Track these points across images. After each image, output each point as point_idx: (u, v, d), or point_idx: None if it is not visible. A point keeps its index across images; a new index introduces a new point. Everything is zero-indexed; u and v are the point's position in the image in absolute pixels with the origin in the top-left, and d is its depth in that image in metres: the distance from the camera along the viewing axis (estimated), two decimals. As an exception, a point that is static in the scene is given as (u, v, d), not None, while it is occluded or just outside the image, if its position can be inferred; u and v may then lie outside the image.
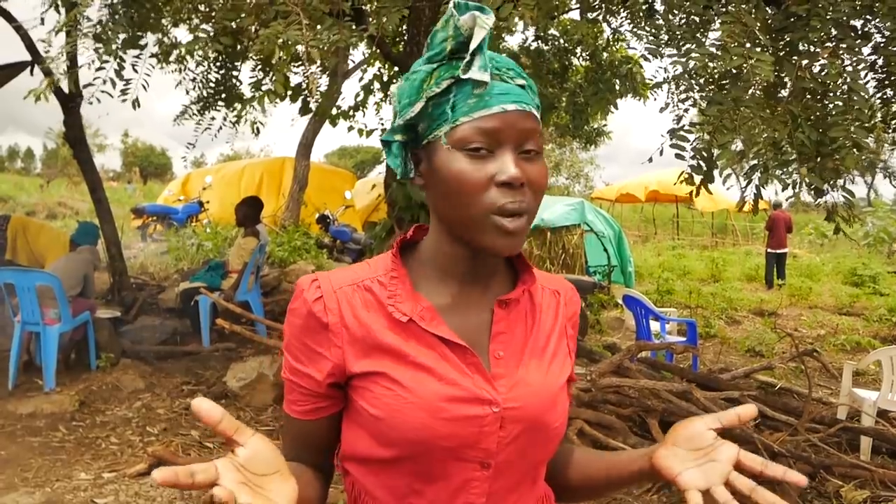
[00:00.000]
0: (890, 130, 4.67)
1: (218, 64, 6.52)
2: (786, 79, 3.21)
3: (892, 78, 4.54)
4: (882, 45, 4.09)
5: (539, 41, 9.28)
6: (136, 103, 4.21)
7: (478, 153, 0.83)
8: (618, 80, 9.13)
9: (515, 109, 0.84)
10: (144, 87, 4.25)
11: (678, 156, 3.24)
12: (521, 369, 0.91)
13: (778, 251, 12.88)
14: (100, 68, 3.90)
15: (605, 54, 9.20)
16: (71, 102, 6.46)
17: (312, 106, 7.73)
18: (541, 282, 1.01)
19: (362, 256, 10.29)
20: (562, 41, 9.24)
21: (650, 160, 3.32)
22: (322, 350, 0.89)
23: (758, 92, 3.37)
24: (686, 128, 3.27)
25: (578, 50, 9.24)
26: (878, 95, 4.69)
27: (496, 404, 0.87)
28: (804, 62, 3.12)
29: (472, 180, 0.83)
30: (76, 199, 18.65)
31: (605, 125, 11.12)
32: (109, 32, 3.85)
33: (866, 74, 4.68)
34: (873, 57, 4.76)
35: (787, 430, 3.84)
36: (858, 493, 3.61)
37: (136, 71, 4.23)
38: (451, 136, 0.84)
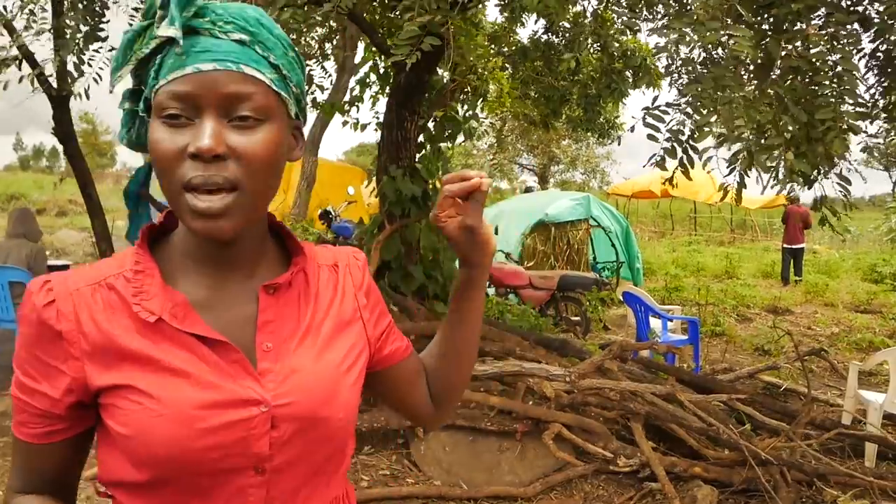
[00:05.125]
0: (888, 120, 4.43)
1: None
2: (773, 57, 2.98)
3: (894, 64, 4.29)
4: (881, 29, 3.85)
5: (549, 33, 9.08)
6: (87, 94, 4.14)
7: (175, 121, 0.75)
8: (630, 71, 8.93)
9: (214, 69, 0.74)
10: (96, 81, 4.16)
11: (651, 136, 3.05)
12: (294, 360, 0.83)
13: (794, 247, 12.50)
14: (62, 63, 3.80)
15: (616, 44, 8.99)
16: (59, 98, 6.39)
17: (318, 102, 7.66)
18: (318, 259, 0.94)
19: (365, 253, 10.10)
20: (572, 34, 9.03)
21: (618, 142, 3.12)
22: (57, 363, 0.77)
23: (745, 72, 3.16)
24: (662, 108, 3.07)
25: (590, 41, 9.04)
26: (880, 83, 4.44)
27: (265, 403, 0.79)
28: (790, 39, 2.90)
29: (164, 152, 0.75)
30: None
31: (617, 117, 10.90)
32: (67, 25, 3.74)
33: (868, 62, 4.43)
34: (873, 44, 4.50)
35: (782, 436, 3.62)
36: (857, 502, 3.39)
37: (90, 65, 4.14)
38: (154, 102, 0.76)
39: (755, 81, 3.09)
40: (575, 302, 7.47)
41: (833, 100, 2.68)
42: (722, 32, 2.64)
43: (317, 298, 0.90)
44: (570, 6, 7.23)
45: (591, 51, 9.13)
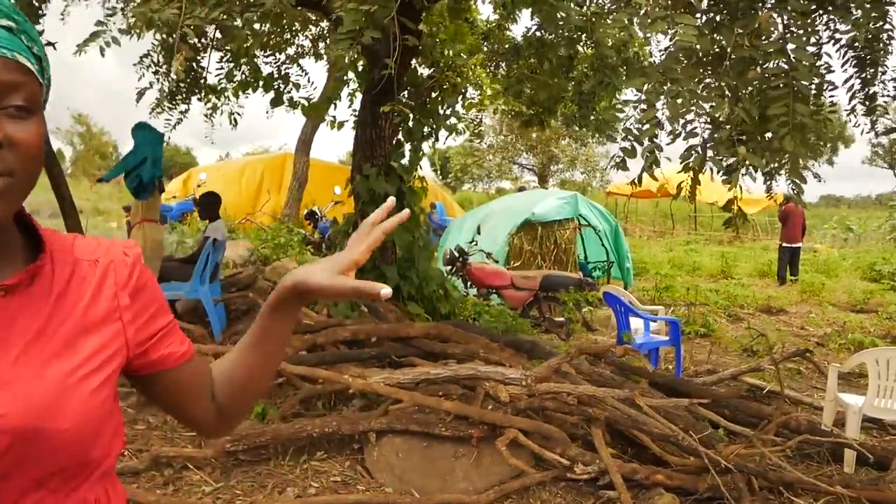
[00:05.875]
0: (867, 113, 4.29)
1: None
2: (725, 47, 2.85)
3: (873, 55, 4.16)
4: (860, 18, 3.72)
5: (542, 30, 8.95)
6: None
7: None
8: (624, 67, 8.79)
9: None
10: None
11: (609, 137, 2.92)
12: (13, 369, 0.76)
13: (793, 245, 12.32)
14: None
15: (609, 41, 8.85)
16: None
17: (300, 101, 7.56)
18: (77, 253, 0.88)
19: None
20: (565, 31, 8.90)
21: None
22: None
23: (699, 64, 3.03)
24: (618, 106, 2.94)
25: (583, 38, 8.90)
26: (858, 75, 4.30)
27: None
28: (743, 28, 2.76)
29: None
30: (82, 199, 18.71)
31: (612, 112, 10.73)
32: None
33: (846, 53, 4.29)
34: (853, 33, 4.36)
35: (747, 442, 3.47)
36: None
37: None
38: None
39: (710, 74, 2.95)
40: (558, 302, 7.34)
41: (786, 92, 2.54)
42: (667, 25, 2.52)
43: (61, 298, 0.83)
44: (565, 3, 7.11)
45: (585, 45, 9.00)
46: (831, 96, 4.49)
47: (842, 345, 7.37)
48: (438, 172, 35.48)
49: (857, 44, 4.22)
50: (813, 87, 4.22)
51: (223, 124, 7.30)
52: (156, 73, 6.51)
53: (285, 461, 3.64)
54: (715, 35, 2.79)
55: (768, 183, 3.03)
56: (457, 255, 7.40)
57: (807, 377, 6.44)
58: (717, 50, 2.88)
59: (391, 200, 0.98)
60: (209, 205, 5.83)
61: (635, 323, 6.14)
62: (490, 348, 4.44)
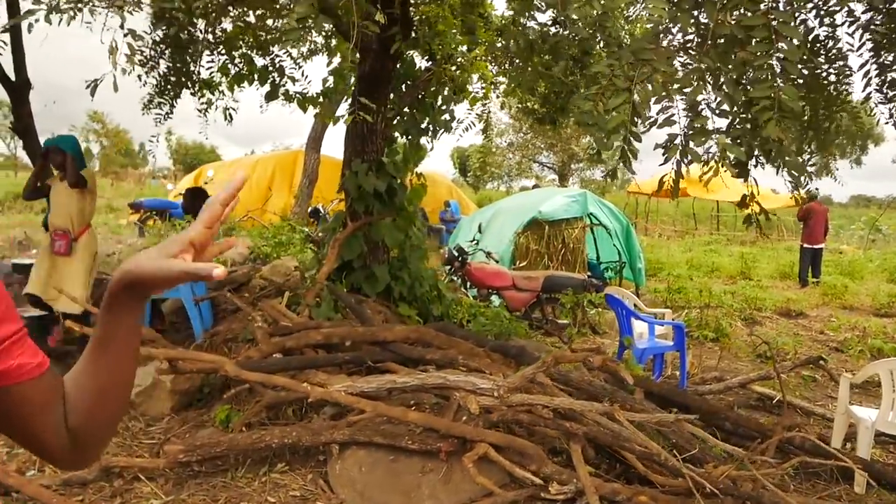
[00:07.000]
0: (886, 101, 3.96)
1: (162, 48, 6.18)
2: (709, 25, 2.56)
3: (893, 37, 3.84)
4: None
5: (557, 26, 8.67)
6: None
7: None
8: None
9: None
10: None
11: (585, 125, 2.67)
12: None
13: (815, 246, 11.85)
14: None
15: (626, 36, 8.54)
16: (18, 91, 6.24)
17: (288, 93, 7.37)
18: None
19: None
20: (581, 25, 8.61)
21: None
22: None
23: (678, 45, 2.75)
24: (592, 95, 2.68)
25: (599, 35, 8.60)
26: (875, 60, 3.99)
27: None
28: (729, 2, 2.47)
29: None
30: (104, 197, 18.83)
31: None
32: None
33: (862, 35, 3.97)
34: (868, 14, 4.06)
35: (740, 461, 3.18)
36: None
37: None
38: None
39: (691, 55, 2.67)
40: (561, 304, 7.04)
41: (770, 73, 2.24)
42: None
43: None
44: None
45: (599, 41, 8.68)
46: (846, 82, 4.16)
47: (861, 351, 6.97)
48: (458, 171, 35.19)
49: (874, 25, 3.90)
50: (832, 74, 3.89)
51: (243, 123, 7.10)
52: (144, 65, 6.37)
53: (243, 473, 3.43)
54: (696, 12, 2.50)
55: (745, 178, 2.74)
56: (455, 254, 7.14)
57: (822, 385, 6.08)
58: (698, 29, 2.60)
59: (241, 175, 0.83)
60: (192, 201, 5.65)
61: (640, 327, 5.84)
62: (473, 354, 4.18)
